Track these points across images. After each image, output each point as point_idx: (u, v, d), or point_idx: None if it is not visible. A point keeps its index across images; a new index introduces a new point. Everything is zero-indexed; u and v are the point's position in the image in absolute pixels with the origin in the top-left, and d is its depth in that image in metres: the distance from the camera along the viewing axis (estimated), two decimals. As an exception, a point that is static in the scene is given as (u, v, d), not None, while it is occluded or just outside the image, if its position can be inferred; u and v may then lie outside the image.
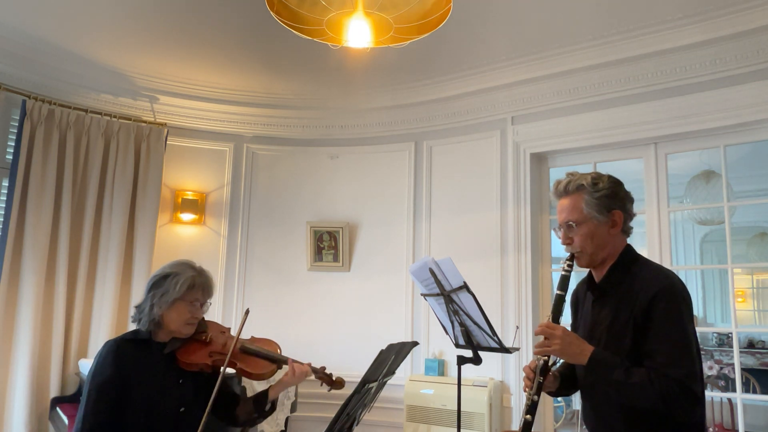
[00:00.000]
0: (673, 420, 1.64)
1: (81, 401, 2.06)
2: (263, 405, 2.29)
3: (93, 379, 2.04)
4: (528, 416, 1.79)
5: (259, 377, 2.29)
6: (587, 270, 1.97)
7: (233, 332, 2.32)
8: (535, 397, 1.81)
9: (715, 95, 3.39)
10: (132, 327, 2.25)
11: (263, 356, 2.33)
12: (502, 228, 4.06)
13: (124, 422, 2.03)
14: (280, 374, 2.37)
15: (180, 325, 2.16)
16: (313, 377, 2.36)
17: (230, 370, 2.31)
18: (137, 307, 2.21)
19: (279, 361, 2.33)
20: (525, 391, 1.86)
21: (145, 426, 2.05)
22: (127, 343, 2.14)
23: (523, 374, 1.89)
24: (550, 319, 1.81)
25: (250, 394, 3.12)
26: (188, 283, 2.15)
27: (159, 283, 2.16)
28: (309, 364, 2.32)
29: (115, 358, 2.07)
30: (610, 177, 1.88)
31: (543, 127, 4.00)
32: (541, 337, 1.78)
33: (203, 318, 2.28)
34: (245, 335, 2.35)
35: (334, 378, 2.36)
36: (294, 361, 2.31)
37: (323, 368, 2.36)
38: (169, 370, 2.15)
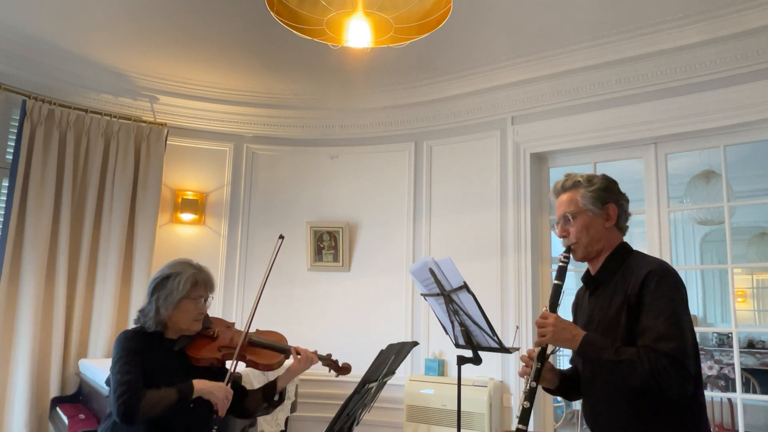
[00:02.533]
0: (669, 401, 1.63)
1: (112, 369, 2.06)
2: (272, 395, 2.33)
3: (119, 353, 2.06)
4: (526, 403, 1.82)
5: (268, 368, 2.32)
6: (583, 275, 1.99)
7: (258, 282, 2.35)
8: (533, 384, 1.83)
9: (716, 95, 3.39)
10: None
11: (270, 347, 2.37)
12: (502, 228, 4.06)
13: None
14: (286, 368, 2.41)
15: (188, 322, 2.19)
16: (319, 364, 2.40)
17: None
18: (141, 311, 2.22)
19: (286, 351, 2.37)
20: (522, 377, 1.90)
21: (159, 416, 2.07)
22: (140, 335, 2.16)
23: (522, 364, 1.92)
24: (548, 309, 1.84)
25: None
26: (191, 281, 2.18)
27: (161, 285, 2.18)
28: (315, 351, 2.37)
29: (135, 343, 2.10)
30: (604, 175, 1.96)
31: (543, 127, 4.00)
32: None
33: (207, 314, 2.31)
34: (251, 328, 2.37)
35: (340, 364, 2.41)
36: (299, 348, 2.35)
37: (329, 355, 2.42)
38: (180, 366, 2.18)
